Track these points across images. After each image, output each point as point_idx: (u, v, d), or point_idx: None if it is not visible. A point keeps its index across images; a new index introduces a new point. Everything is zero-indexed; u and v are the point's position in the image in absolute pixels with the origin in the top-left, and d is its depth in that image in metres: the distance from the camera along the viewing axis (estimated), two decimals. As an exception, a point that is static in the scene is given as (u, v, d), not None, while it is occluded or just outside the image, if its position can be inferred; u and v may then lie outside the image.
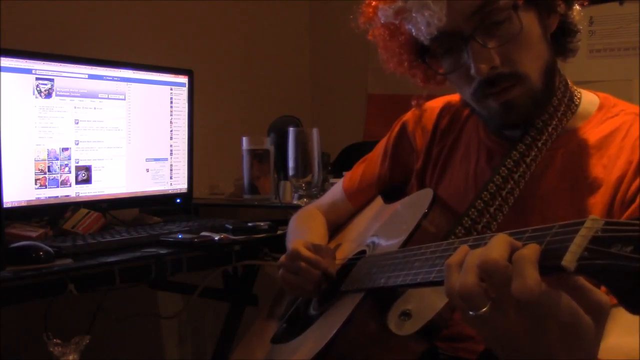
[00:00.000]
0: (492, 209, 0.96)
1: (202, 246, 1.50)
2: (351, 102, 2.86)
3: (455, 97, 1.16)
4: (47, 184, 1.58)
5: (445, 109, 1.18)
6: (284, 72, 2.81)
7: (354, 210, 1.31)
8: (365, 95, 2.83)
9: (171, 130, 1.88)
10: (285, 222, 1.47)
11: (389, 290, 0.88)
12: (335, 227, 1.34)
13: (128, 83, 1.76)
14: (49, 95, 1.57)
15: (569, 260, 0.53)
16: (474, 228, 0.95)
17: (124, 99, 1.75)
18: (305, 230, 1.30)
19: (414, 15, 0.94)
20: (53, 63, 1.58)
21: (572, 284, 0.57)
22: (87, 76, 1.66)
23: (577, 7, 1.00)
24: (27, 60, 1.53)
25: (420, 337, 0.86)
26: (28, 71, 1.53)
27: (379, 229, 1.12)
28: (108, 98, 1.71)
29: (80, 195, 1.66)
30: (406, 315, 0.86)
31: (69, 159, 1.63)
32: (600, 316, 0.58)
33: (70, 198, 1.64)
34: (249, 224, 1.65)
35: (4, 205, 1.43)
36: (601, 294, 0.58)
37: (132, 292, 1.73)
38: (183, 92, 1.90)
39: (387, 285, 0.85)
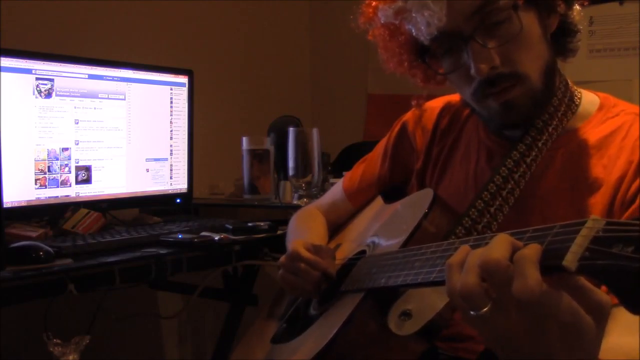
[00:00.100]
0: (492, 209, 0.96)
1: (202, 246, 1.50)
2: (351, 102, 2.86)
3: (455, 97, 1.16)
4: (47, 184, 1.58)
5: (445, 109, 1.18)
6: (284, 72, 2.81)
7: (354, 210, 1.31)
8: (365, 95, 2.83)
9: (171, 130, 1.88)
10: (285, 222, 1.47)
11: (389, 290, 0.88)
12: (335, 227, 1.34)
13: (128, 83, 1.76)
14: (49, 95, 1.57)
15: (570, 260, 0.53)
16: (474, 228, 0.95)
17: (124, 99, 1.75)
18: (305, 230, 1.30)
19: (414, 15, 0.94)
20: (53, 63, 1.58)
21: (573, 284, 0.57)
22: (87, 76, 1.66)
23: (577, 7, 1.00)
24: (27, 60, 1.53)
25: (421, 337, 0.86)
26: (28, 71, 1.53)
27: (379, 229, 1.12)
28: (108, 98, 1.71)
29: (80, 195, 1.66)
30: (406, 315, 0.86)
31: (69, 159, 1.63)
32: (601, 316, 0.58)
33: (70, 198, 1.64)
34: (249, 224, 1.65)
35: (4, 205, 1.43)
36: (602, 294, 0.58)
37: (132, 292, 1.72)
38: (183, 92, 1.90)
39: (387, 285, 0.85)
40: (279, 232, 1.64)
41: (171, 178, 1.90)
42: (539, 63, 0.95)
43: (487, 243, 0.61)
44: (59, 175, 1.61)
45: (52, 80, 1.57)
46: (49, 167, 1.58)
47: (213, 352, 2.10)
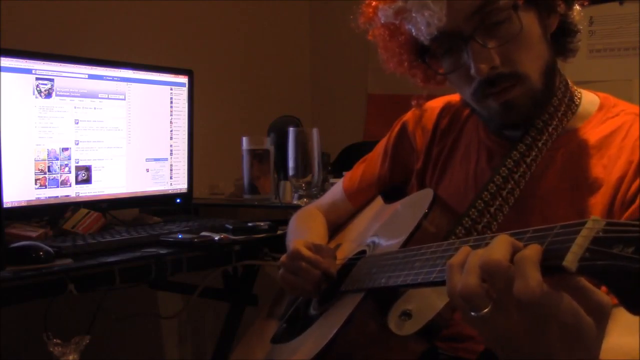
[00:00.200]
0: (492, 209, 0.96)
1: (202, 246, 1.50)
2: (351, 102, 2.86)
3: (455, 97, 1.16)
4: (47, 184, 1.58)
5: (445, 109, 1.18)
6: (284, 72, 2.81)
7: (354, 210, 1.31)
8: (365, 95, 2.83)
9: (171, 130, 1.88)
10: (285, 222, 1.46)
11: (390, 290, 0.88)
12: (335, 227, 1.34)
13: (128, 83, 1.76)
14: (49, 95, 1.57)
15: (570, 260, 0.53)
16: (474, 228, 0.95)
17: (124, 99, 1.75)
18: (305, 230, 1.30)
19: (414, 15, 0.94)
20: (53, 63, 1.58)
21: (573, 284, 0.57)
22: (87, 76, 1.66)
23: (577, 7, 1.00)
24: (27, 60, 1.53)
25: (421, 337, 0.86)
26: (28, 71, 1.53)
27: (379, 229, 1.12)
28: (108, 98, 1.71)
29: (80, 195, 1.66)
30: (406, 315, 0.86)
31: (69, 159, 1.63)
32: (601, 317, 0.58)
33: (70, 198, 1.64)
34: (249, 224, 1.65)
35: (4, 205, 1.43)
36: (602, 294, 0.58)
37: (132, 292, 1.72)
38: (183, 92, 1.90)
39: (387, 285, 0.85)
40: (279, 232, 1.64)
41: (171, 178, 1.90)
42: (539, 63, 0.95)
43: (488, 243, 0.61)
44: (59, 175, 1.61)
45: (52, 80, 1.57)
46: (49, 167, 1.58)
47: (213, 352, 2.10)
